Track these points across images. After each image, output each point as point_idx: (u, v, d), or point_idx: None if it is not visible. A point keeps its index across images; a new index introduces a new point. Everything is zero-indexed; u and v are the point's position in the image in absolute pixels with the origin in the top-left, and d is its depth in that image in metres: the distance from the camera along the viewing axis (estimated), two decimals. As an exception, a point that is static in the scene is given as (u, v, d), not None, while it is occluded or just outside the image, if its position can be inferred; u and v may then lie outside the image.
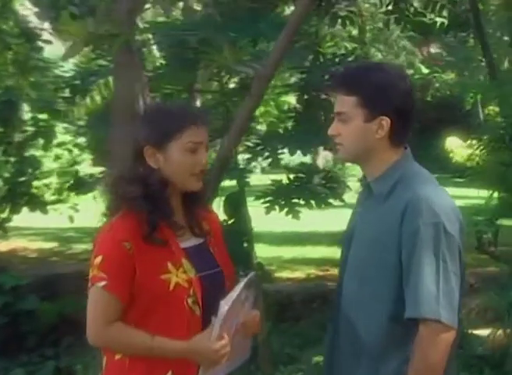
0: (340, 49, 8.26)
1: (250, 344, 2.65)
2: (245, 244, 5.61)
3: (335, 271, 10.19)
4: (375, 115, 2.50)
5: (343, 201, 5.58)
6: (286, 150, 5.30)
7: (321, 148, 7.70)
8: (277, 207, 5.36)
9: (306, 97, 5.68)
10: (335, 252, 11.28)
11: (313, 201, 5.34)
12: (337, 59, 5.62)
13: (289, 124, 5.74)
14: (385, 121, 2.50)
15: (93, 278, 2.50)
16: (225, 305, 2.40)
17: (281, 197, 5.38)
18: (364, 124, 2.51)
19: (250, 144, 5.39)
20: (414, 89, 2.61)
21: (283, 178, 5.68)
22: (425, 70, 11.54)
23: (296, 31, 3.99)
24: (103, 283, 2.46)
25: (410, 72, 11.52)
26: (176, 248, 2.54)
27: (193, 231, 2.63)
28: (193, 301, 2.50)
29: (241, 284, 2.48)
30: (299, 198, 5.36)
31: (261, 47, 5.67)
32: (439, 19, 7.41)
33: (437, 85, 13.29)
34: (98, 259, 2.49)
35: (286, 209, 5.37)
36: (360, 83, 2.51)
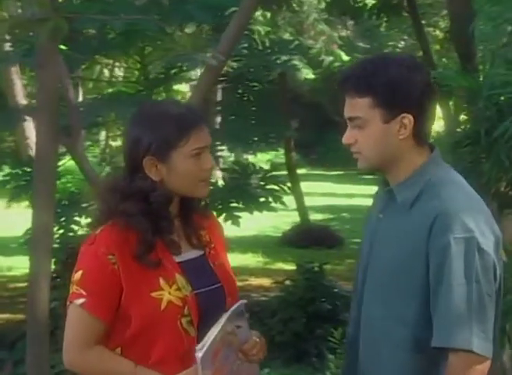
0: (254, 33, 8.26)
1: (258, 370, 2.62)
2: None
3: (254, 280, 10.38)
4: (395, 113, 2.41)
5: (284, 204, 5.58)
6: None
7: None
8: (214, 212, 5.29)
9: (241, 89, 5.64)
10: (249, 260, 11.51)
11: (253, 206, 5.32)
12: (276, 48, 5.61)
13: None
14: (408, 119, 2.40)
15: (71, 295, 2.40)
16: (198, 353, 2.34)
17: (217, 200, 5.33)
18: (383, 125, 2.42)
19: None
20: (430, 79, 2.50)
21: (217, 178, 5.64)
22: (346, 57, 11.73)
23: (250, 15, 3.95)
24: (81, 300, 2.38)
25: (329, 59, 11.71)
26: (170, 263, 2.46)
27: (191, 242, 2.55)
28: (187, 322, 2.43)
29: (223, 319, 2.41)
30: (238, 202, 5.32)
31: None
32: (369, 1, 7.52)
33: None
34: (78, 274, 2.41)
35: (224, 215, 5.33)
36: (372, 82, 2.41)
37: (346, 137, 2.49)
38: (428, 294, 2.39)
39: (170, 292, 2.42)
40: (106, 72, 17.90)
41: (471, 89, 4.10)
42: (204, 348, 2.34)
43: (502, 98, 3.97)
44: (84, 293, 2.39)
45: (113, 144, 19.51)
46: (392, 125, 2.42)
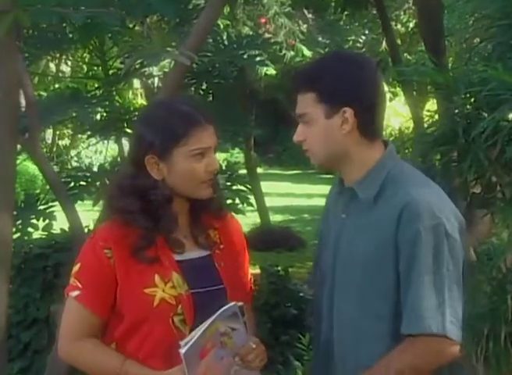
0: (219, 27, 8.27)
1: None
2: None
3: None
4: (337, 108, 2.55)
5: (252, 205, 5.59)
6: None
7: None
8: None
9: (205, 85, 5.66)
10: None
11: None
12: (244, 42, 5.62)
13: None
14: (348, 112, 2.55)
15: (68, 287, 2.56)
16: (182, 349, 2.43)
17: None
18: (326, 121, 2.56)
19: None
20: (379, 76, 2.68)
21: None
22: (308, 52, 11.80)
23: (221, 10, 3.96)
24: (76, 293, 2.53)
25: (290, 54, 11.78)
26: (169, 260, 2.54)
27: (198, 242, 2.62)
28: (180, 320, 2.51)
29: (211, 318, 2.49)
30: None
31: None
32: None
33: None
34: (76, 267, 2.56)
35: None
36: (315, 77, 2.56)
37: (296, 135, 2.66)
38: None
39: (164, 289, 2.51)
40: (53, 67, 17.74)
41: (447, 86, 4.14)
42: (188, 345, 2.43)
43: (479, 95, 4.02)
44: (80, 285, 2.53)
45: (60, 143, 19.37)
46: (334, 120, 2.56)
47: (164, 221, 2.54)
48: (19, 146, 4.53)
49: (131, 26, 5.64)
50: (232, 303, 2.55)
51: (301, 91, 2.59)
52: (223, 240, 2.68)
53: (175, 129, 2.49)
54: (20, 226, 5.27)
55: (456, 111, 4.09)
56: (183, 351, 2.43)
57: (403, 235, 2.48)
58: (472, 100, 4.07)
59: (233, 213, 5.61)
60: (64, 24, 5.36)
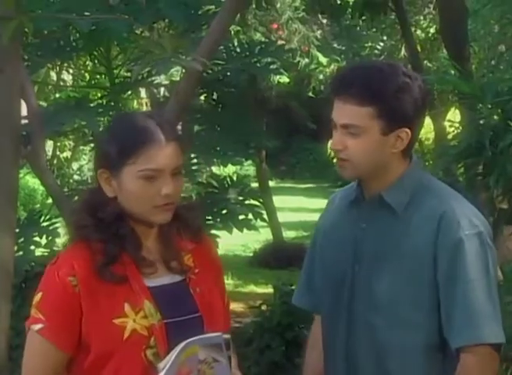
0: (230, 34, 8.28)
1: None
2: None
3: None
4: (395, 127, 2.56)
5: (265, 221, 5.60)
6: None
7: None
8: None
9: (215, 95, 5.68)
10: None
11: (232, 223, 5.31)
12: (257, 49, 5.64)
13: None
14: (406, 133, 2.58)
15: (30, 319, 2.44)
16: (160, 372, 2.35)
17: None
18: (381, 137, 2.57)
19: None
20: (427, 90, 2.71)
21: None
22: (323, 59, 11.79)
23: (236, 13, 3.98)
24: (39, 326, 2.40)
25: (305, 61, 11.78)
26: (139, 286, 2.43)
27: (170, 266, 2.50)
28: (153, 354, 2.39)
29: (186, 341, 2.37)
30: (215, 220, 5.31)
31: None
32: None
33: (321, 77, 13.60)
34: (38, 297, 2.44)
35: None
36: (376, 92, 2.54)
37: (336, 143, 2.62)
38: (437, 295, 2.54)
39: (135, 320, 2.39)
40: (53, 75, 17.75)
41: (473, 95, 4.16)
42: (165, 369, 2.34)
43: (508, 105, 4.03)
44: (42, 318, 2.41)
45: (61, 155, 19.36)
46: (389, 138, 2.59)
47: (119, 237, 2.43)
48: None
49: (138, 32, 5.65)
50: (218, 333, 2.42)
51: (353, 101, 2.55)
52: (198, 263, 2.55)
53: (125, 145, 2.38)
54: (22, 244, 5.27)
55: (482, 122, 4.10)
56: (162, 373, 2.32)
57: (443, 243, 2.53)
58: (499, 110, 4.09)
59: (246, 229, 5.70)
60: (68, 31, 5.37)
